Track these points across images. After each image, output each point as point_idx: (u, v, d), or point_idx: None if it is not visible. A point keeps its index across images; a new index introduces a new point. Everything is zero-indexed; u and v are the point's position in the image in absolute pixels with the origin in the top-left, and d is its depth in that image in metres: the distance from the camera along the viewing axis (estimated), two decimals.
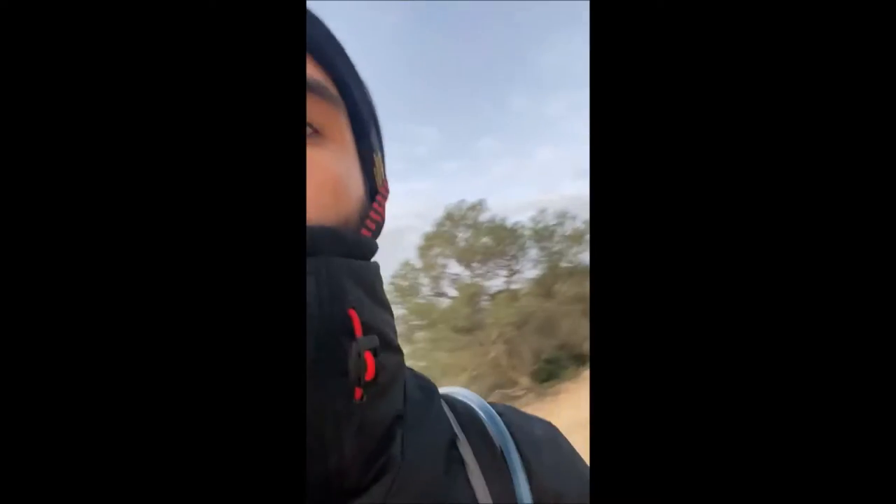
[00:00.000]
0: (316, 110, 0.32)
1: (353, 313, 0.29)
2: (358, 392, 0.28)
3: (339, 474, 0.27)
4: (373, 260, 0.35)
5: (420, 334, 12.68)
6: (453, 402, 0.38)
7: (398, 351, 0.33)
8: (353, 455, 0.28)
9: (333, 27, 0.36)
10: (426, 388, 0.37)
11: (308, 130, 0.32)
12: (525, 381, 12.65)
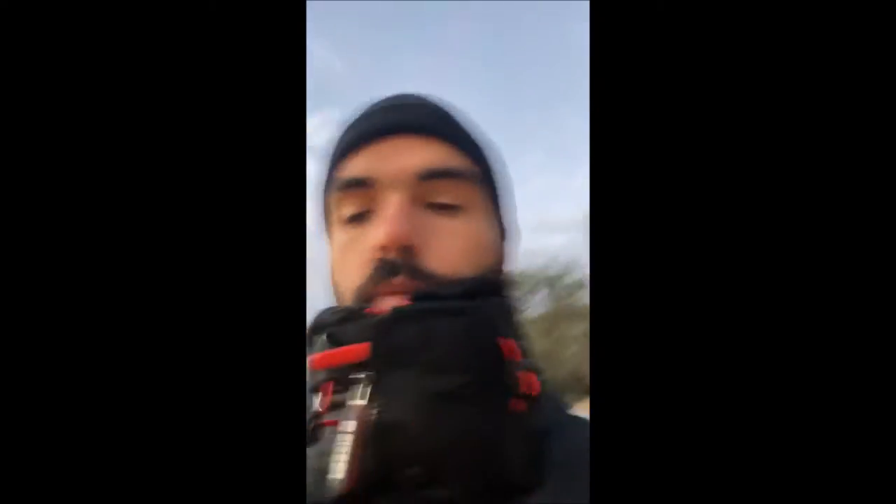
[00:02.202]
0: (461, 191, 0.38)
1: (501, 341, 0.33)
2: (518, 404, 0.33)
3: (511, 472, 0.32)
4: (513, 299, 0.40)
5: None
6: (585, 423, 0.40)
7: (540, 371, 0.37)
8: (521, 457, 0.32)
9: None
10: (558, 404, 0.41)
11: (456, 206, 0.38)
12: None
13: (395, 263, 0.35)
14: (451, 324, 0.32)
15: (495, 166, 0.43)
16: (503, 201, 0.43)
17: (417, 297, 0.33)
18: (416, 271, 0.35)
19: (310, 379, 0.36)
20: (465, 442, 0.31)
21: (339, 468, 0.30)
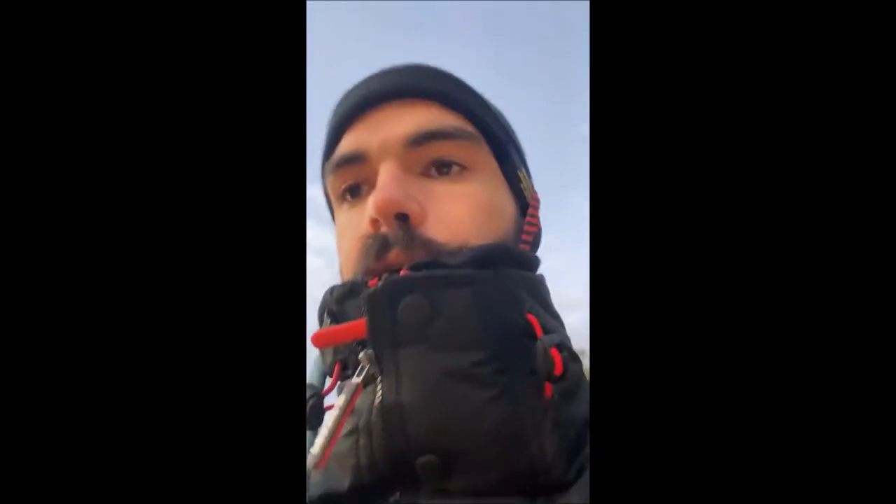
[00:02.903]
0: (459, 151, 0.34)
1: (531, 317, 0.30)
2: (548, 388, 0.28)
3: (543, 468, 0.27)
4: (538, 273, 0.36)
5: None
6: None
7: (577, 358, 0.32)
8: (554, 451, 0.27)
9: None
10: None
11: (455, 168, 0.34)
12: None
13: (387, 236, 0.31)
14: (457, 295, 0.28)
15: (500, 129, 0.38)
16: (514, 166, 0.38)
17: (415, 268, 0.30)
18: (412, 241, 0.31)
19: (324, 362, 0.34)
20: (481, 429, 0.26)
21: (316, 443, 0.27)
